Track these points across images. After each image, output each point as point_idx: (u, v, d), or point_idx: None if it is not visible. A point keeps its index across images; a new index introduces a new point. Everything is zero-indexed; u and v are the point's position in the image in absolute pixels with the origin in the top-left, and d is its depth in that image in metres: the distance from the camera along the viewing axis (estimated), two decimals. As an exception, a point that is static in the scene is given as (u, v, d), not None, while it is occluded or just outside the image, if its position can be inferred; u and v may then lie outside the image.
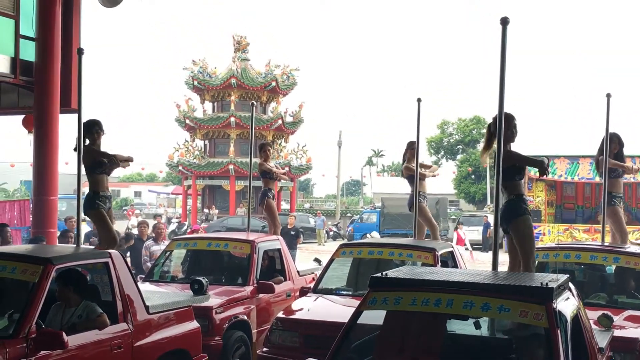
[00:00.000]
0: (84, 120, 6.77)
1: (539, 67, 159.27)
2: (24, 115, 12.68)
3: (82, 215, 6.89)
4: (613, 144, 8.81)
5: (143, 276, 9.24)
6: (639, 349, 6.25)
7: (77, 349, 5.35)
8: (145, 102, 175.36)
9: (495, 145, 6.23)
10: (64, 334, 5.04)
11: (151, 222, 14.28)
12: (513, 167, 6.19)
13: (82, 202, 6.79)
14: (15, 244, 11.96)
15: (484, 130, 7.65)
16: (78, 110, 6.74)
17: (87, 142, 6.77)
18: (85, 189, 7.18)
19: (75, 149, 6.73)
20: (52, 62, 11.31)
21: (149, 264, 10.30)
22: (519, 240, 6.24)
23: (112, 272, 5.98)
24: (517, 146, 6.52)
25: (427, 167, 10.32)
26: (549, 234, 25.66)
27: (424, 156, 63.28)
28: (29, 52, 11.45)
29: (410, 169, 9.68)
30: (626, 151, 9.19)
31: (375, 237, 14.24)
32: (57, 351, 5.13)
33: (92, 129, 6.80)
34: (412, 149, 9.74)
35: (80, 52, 6.85)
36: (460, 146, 67.84)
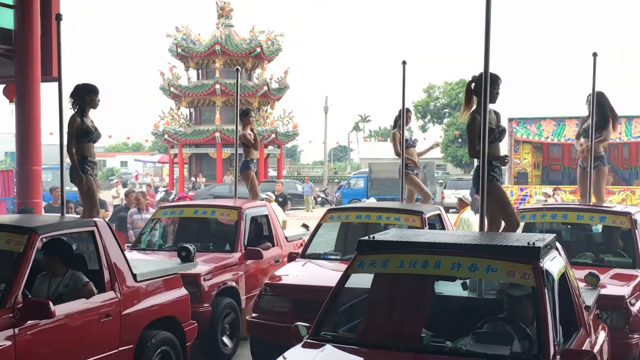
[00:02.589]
0: (77, 84, 6.72)
1: (525, 27, 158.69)
2: (4, 85, 12.52)
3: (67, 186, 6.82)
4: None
5: (130, 245, 9.22)
6: (625, 307, 6.31)
7: (65, 318, 5.33)
8: (129, 71, 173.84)
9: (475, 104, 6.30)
10: (50, 303, 5.01)
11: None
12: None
13: (65, 172, 6.72)
14: None
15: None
16: (58, 79, 6.62)
17: (77, 108, 6.67)
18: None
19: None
20: (31, 29, 11.12)
21: (131, 232, 10.30)
22: (494, 205, 6.40)
23: (98, 241, 5.94)
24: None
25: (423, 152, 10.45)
26: (536, 196, 25.74)
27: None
28: (7, 20, 11.25)
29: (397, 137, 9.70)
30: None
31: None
32: (44, 321, 5.11)
33: (82, 95, 6.65)
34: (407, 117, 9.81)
35: (58, 18, 6.71)
36: (446, 110, 67.72)
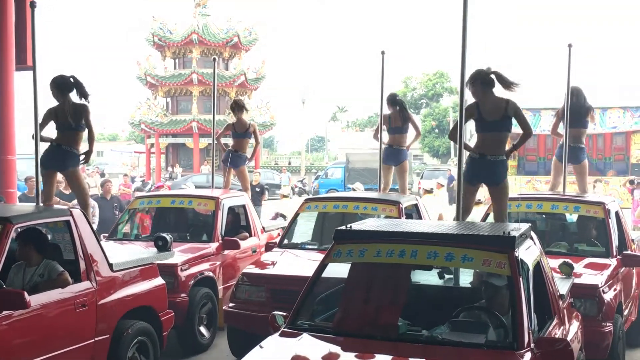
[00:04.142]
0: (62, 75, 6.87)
1: (501, 17, 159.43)
2: (-23, 74, 12.33)
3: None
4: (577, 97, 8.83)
5: (107, 234, 9.17)
6: (598, 295, 6.39)
7: (40, 308, 5.28)
8: (105, 60, 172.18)
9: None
10: (25, 293, 4.97)
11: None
12: (509, 118, 6.50)
13: (40, 162, 6.69)
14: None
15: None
16: (33, 68, 6.57)
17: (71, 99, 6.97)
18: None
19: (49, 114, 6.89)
20: (5, 17, 10.98)
21: None
22: (502, 198, 6.73)
23: (74, 231, 5.89)
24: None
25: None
26: (512, 186, 25.87)
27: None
28: (-21, 7, 11.09)
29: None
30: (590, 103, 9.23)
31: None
32: (19, 311, 5.06)
33: (71, 88, 6.95)
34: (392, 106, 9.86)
35: (33, 5, 6.63)
36: (424, 100, 67.89)
